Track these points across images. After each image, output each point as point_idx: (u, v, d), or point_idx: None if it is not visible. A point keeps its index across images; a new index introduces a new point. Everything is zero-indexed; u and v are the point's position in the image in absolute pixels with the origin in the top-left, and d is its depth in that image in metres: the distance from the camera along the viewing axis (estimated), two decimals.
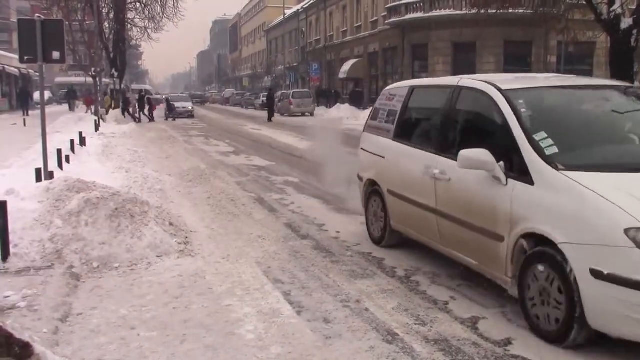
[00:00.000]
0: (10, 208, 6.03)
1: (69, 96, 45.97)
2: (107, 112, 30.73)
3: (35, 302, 4.91)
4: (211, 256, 6.48)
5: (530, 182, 4.42)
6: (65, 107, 44.00)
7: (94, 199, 6.58)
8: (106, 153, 14.77)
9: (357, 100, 40.80)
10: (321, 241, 7.13)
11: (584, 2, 16.11)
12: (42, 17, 8.98)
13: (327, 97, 45.82)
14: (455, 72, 35.51)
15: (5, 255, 5.90)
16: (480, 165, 4.73)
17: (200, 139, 21.92)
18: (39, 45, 8.55)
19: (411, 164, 6.03)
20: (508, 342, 4.28)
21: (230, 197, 9.99)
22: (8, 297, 5.00)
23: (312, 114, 38.39)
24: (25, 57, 8.74)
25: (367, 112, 31.23)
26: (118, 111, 34.61)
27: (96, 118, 24.61)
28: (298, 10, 63.54)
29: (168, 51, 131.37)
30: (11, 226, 6.02)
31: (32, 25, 8.57)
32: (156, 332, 4.51)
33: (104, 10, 34.25)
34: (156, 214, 7.12)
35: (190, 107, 39.53)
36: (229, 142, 20.49)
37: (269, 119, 33.79)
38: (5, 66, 40.58)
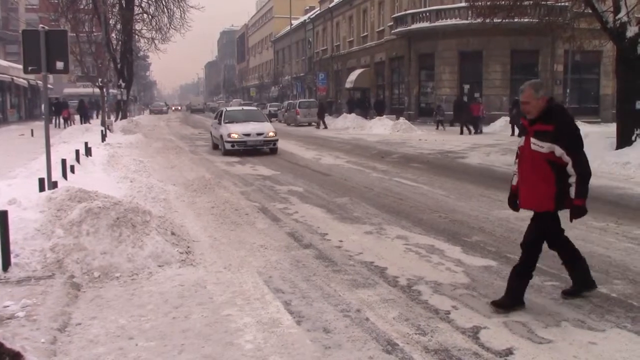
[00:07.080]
0: (11, 218, 6.05)
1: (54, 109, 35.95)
2: None
3: (34, 311, 4.90)
4: (212, 265, 6.45)
5: None
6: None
7: (95, 208, 6.56)
8: (112, 163, 14.77)
9: (370, 110, 40.84)
10: (323, 250, 7.09)
11: (590, 11, 16.08)
12: (47, 27, 9.03)
13: (361, 106, 42.60)
14: (462, 81, 35.57)
15: (6, 265, 5.89)
16: None
17: (206, 149, 21.93)
18: (43, 55, 8.61)
19: None
20: (509, 352, 4.22)
21: (234, 206, 9.96)
22: (7, 306, 4.99)
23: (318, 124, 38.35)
24: (30, 68, 8.79)
25: (374, 121, 31.46)
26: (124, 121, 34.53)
27: (103, 128, 24.67)
28: (305, 20, 63.84)
29: (176, 62, 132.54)
30: (12, 236, 6.02)
31: (36, 36, 8.63)
32: (154, 342, 4.48)
33: (111, 22, 34.36)
34: (158, 224, 7.10)
35: (271, 133, 19.85)
36: None
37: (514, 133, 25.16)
38: (14, 77, 40.80)
